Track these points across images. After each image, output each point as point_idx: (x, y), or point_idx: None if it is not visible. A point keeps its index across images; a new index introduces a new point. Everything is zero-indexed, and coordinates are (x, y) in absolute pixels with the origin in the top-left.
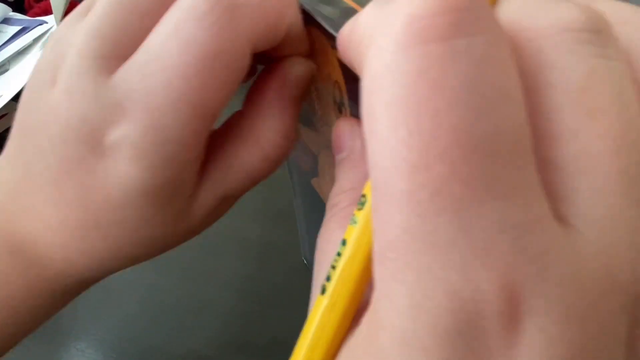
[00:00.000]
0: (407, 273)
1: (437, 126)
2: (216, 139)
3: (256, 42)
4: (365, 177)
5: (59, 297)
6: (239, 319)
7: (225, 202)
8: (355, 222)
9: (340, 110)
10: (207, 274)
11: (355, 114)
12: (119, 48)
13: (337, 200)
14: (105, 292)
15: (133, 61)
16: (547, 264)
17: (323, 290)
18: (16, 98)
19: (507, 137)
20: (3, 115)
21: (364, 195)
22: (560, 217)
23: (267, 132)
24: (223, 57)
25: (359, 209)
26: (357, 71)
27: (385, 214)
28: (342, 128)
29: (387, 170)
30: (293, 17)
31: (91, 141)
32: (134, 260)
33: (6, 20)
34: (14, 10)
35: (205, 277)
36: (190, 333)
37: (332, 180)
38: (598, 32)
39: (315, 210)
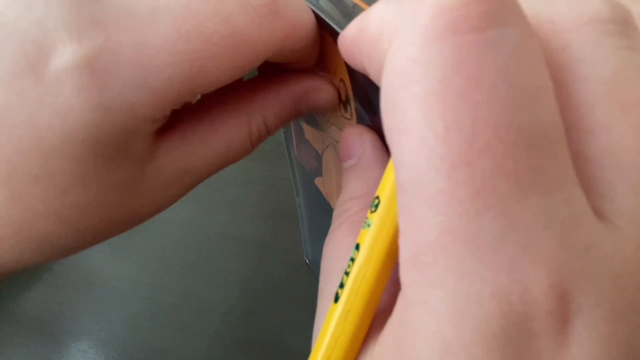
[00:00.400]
0: (448, 277)
1: (477, 120)
2: (191, 112)
3: (274, 53)
4: (376, 183)
5: None
6: (239, 318)
7: (186, 178)
8: (368, 226)
9: (345, 108)
10: (207, 274)
11: (360, 112)
12: None
13: (348, 206)
14: (106, 292)
15: None
16: (594, 259)
17: (336, 299)
18: None
19: (546, 130)
20: None
21: (377, 197)
22: (597, 213)
23: (261, 124)
24: (250, 47)
25: (372, 212)
26: (366, 70)
27: (420, 216)
28: (351, 134)
29: (421, 169)
30: (312, 37)
31: (36, 52)
32: (64, 248)
33: None
34: None
35: (206, 277)
36: (190, 333)
37: (337, 180)
38: (624, 22)
39: (318, 210)
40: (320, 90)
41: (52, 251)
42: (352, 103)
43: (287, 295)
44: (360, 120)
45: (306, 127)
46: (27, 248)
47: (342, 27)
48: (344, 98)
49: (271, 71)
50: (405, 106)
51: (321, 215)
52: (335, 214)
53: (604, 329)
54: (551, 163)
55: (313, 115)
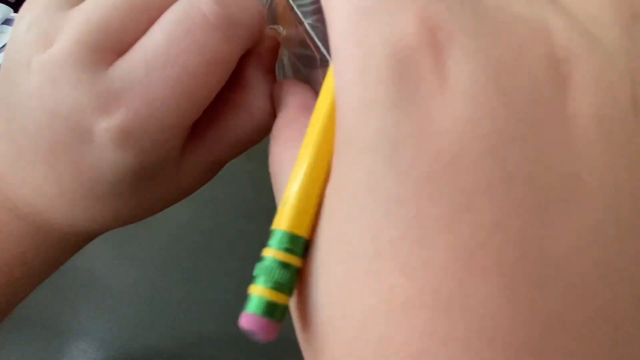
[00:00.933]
0: (353, 46)
1: None
2: (203, 114)
3: (243, 49)
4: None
5: (67, 250)
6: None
7: (214, 167)
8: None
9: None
10: (207, 273)
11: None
12: (120, 42)
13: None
14: (106, 292)
15: (134, 56)
16: (452, 1)
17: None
18: None
19: None
20: None
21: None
22: None
23: (255, 100)
24: (225, 62)
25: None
26: None
27: (327, 10)
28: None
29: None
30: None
31: (80, 129)
32: (132, 218)
33: (7, 22)
34: (15, 11)
35: (206, 277)
36: (190, 333)
37: None
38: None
39: None
40: (264, 41)
41: (125, 222)
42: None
43: None
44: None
45: None
46: (119, 224)
47: None
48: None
49: None
50: None
51: None
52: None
53: (474, 45)
54: None
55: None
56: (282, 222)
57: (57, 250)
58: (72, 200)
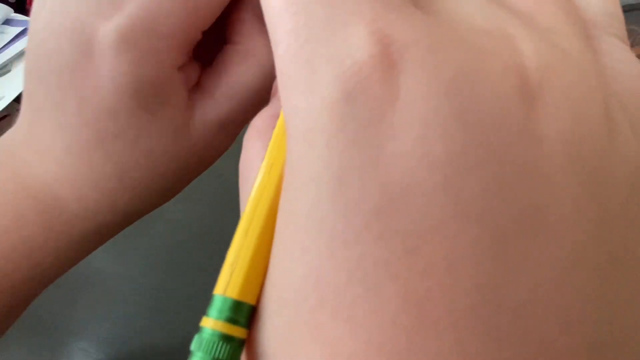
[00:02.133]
0: (300, 67)
1: None
2: (212, 68)
3: None
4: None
5: (78, 243)
6: None
7: (229, 129)
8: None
9: None
10: (207, 273)
11: None
12: None
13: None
14: (107, 292)
15: None
16: (408, 12)
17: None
18: (18, 99)
19: None
20: (4, 117)
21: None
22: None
23: (261, 46)
24: None
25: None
26: None
27: (271, 30)
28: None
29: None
30: None
31: (84, 40)
32: (145, 191)
33: (8, 22)
34: (15, 11)
35: (206, 276)
36: (191, 332)
37: None
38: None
39: None
40: None
41: (150, 197)
42: None
43: None
44: None
45: None
46: (129, 196)
47: None
48: None
49: None
50: None
51: None
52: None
53: (429, 59)
54: None
55: None
56: (223, 285)
57: (67, 238)
58: (76, 154)
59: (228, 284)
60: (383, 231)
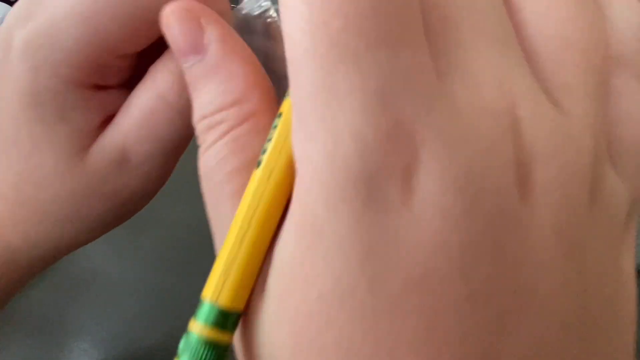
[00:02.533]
0: (320, 127)
1: None
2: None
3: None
4: (244, 82)
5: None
6: None
7: (129, 164)
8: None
9: None
10: (207, 273)
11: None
12: None
13: (220, 118)
14: (107, 292)
15: None
16: (432, 103)
17: (258, 164)
18: None
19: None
20: None
21: (279, 114)
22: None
23: (159, 72)
24: (136, 4)
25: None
26: None
27: (295, 74)
28: (183, 19)
29: (293, 32)
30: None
31: (4, 46)
32: (42, 215)
33: None
34: None
35: (206, 276)
36: None
37: None
38: None
39: None
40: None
41: (49, 223)
42: None
43: None
44: None
45: None
46: (25, 213)
47: None
48: None
49: None
50: None
51: None
52: (199, 130)
53: (445, 154)
54: (399, 23)
55: None
56: (213, 292)
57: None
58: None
59: (220, 292)
60: (408, 308)
